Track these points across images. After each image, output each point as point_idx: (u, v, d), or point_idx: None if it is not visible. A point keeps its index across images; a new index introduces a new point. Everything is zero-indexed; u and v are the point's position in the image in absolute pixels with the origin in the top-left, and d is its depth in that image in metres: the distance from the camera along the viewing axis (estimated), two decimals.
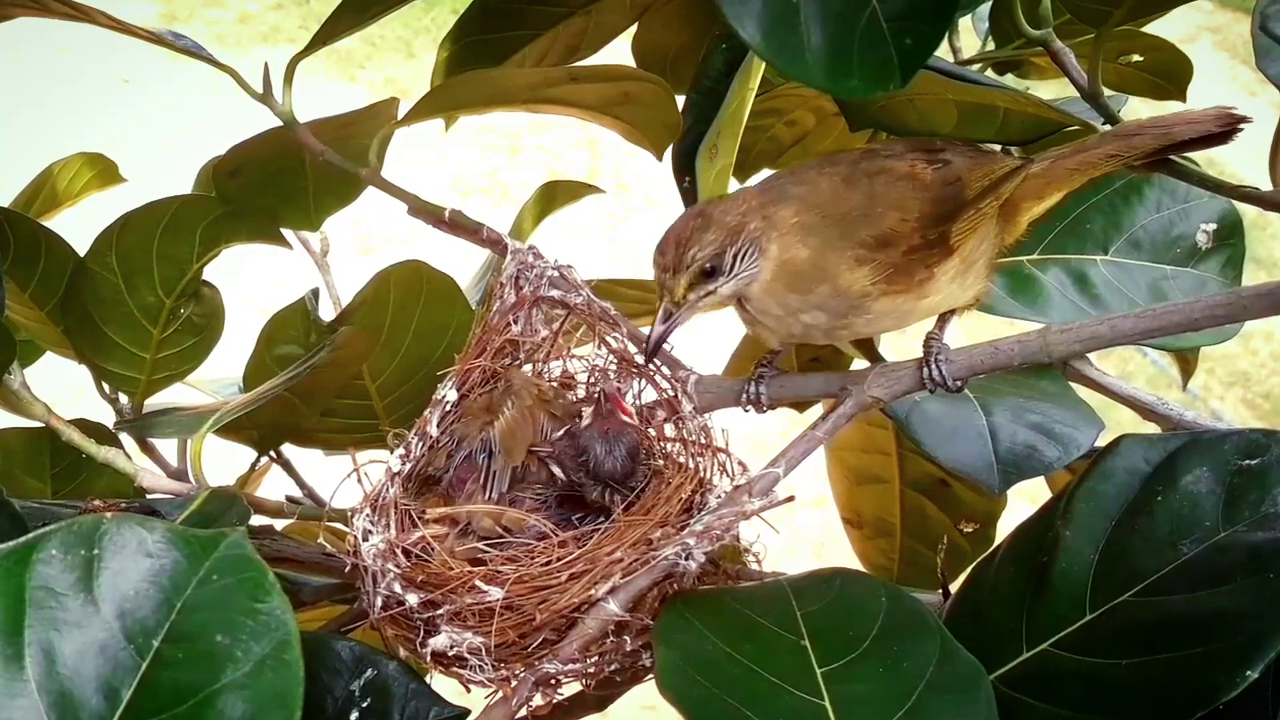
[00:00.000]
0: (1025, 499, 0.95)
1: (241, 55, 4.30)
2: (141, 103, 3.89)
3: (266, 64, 0.84)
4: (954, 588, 0.76)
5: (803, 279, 0.73)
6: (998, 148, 0.88)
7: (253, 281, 2.35)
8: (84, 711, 0.53)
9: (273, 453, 1.03)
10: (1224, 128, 0.73)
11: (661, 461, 0.79)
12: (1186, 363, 1.06)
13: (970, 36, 1.15)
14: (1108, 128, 0.79)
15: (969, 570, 0.74)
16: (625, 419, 0.78)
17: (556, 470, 0.78)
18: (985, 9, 1.05)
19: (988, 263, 0.76)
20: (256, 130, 0.94)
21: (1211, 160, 3.63)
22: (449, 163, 3.80)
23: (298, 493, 1.05)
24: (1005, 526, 0.91)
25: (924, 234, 0.72)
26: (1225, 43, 4.15)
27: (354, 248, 3.22)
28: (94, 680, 0.54)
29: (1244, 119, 0.73)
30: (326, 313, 1.05)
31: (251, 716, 0.53)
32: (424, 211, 0.85)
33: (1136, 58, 0.98)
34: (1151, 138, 0.74)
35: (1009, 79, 1.07)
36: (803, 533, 2.60)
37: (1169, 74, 1.00)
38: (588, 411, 0.79)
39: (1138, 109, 0.93)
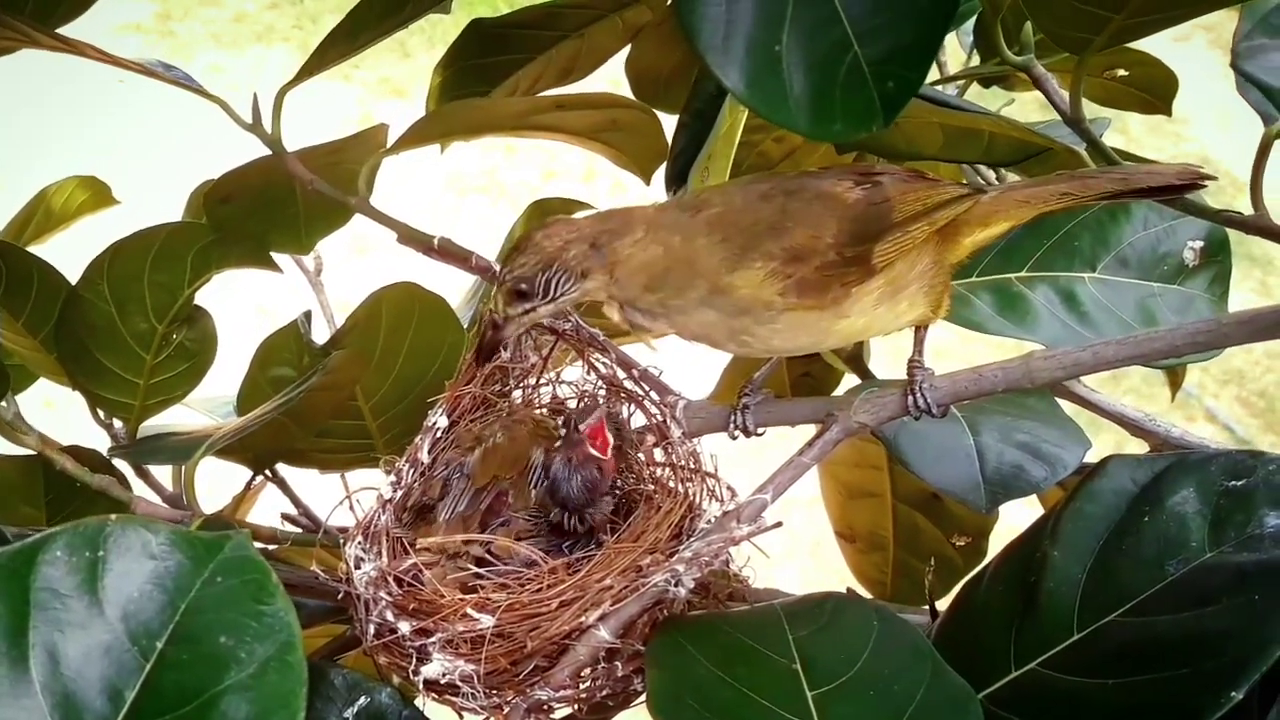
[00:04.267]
0: (1024, 504, 0.95)
1: (238, 54, 4.31)
2: (138, 102, 3.87)
3: (255, 94, 0.84)
4: (943, 604, 0.76)
5: (669, 277, 0.73)
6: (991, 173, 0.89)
7: (246, 297, 2.34)
8: (88, 713, 0.53)
9: (268, 471, 1.03)
10: (1185, 182, 0.73)
11: (651, 486, 0.80)
12: (1175, 375, 1.07)
13: (956, 52, 1.15)
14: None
15: (958, 589, 0.74)
16: (591, 451, 0.78)
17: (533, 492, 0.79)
18: (971, 24, 1.05)
19: (925, 287, 0.76)
20: (250, 134, 0.94)
21: (1207, 159, 3.62)
22: (446, 162, 3.78)
23: (293, 510, 1.05)
24: (999, 538, 0.91)
25: (840, 251, 0.72)
26: (1219, 41, 4.13)
27: (349, 249, 3.21)
28: (98, 682, 0.54)
29: (1208, 176, 0.73)
30: (321, 326, 1.05)
31: (255, 718, 0.54)
32: (413, 239, 0.86)
33: (1122, 72, 0.98)
34: (1109, 182, 0.74)
35: (994, 91, 1.07)
36: (798, 534, 2.60)
37: (1154, 88, 1.00)
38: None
39: (1131, 124, 0.93)
